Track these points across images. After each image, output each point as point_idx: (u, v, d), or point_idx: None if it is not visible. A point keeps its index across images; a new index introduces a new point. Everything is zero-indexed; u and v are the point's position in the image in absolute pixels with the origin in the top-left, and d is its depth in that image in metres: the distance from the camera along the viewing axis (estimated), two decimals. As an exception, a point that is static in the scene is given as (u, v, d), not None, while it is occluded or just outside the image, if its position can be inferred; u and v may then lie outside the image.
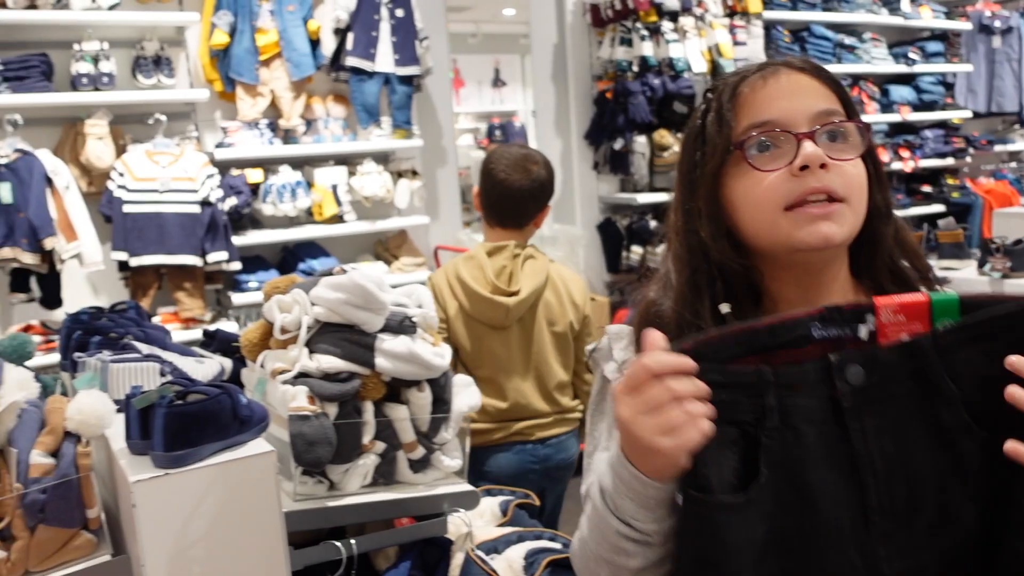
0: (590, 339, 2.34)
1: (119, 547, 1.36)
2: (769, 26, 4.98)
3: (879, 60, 5.50)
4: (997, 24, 6.01)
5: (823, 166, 0.93)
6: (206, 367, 1.66)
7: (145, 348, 1.66)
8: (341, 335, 1.58)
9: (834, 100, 0.98)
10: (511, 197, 2.34)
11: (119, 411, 1.38)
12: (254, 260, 3.96)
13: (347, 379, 1.54)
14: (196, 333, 3.56)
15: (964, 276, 2.39)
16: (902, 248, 1.03)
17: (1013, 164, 5.79)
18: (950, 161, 5.85)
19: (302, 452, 1.45)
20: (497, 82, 13.13)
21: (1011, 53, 6.04)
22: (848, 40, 5.33)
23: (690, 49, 4.58)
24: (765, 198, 0.95)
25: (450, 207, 4.71)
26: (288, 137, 4.06)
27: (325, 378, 1.54)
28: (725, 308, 0.98)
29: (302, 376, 1.54)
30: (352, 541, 1.51)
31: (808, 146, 0.93)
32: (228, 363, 1.88)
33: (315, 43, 4.01)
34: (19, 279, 3.44)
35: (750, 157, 0.96)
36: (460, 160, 8.23)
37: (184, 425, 1.25)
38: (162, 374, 1.54)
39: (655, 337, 0.84)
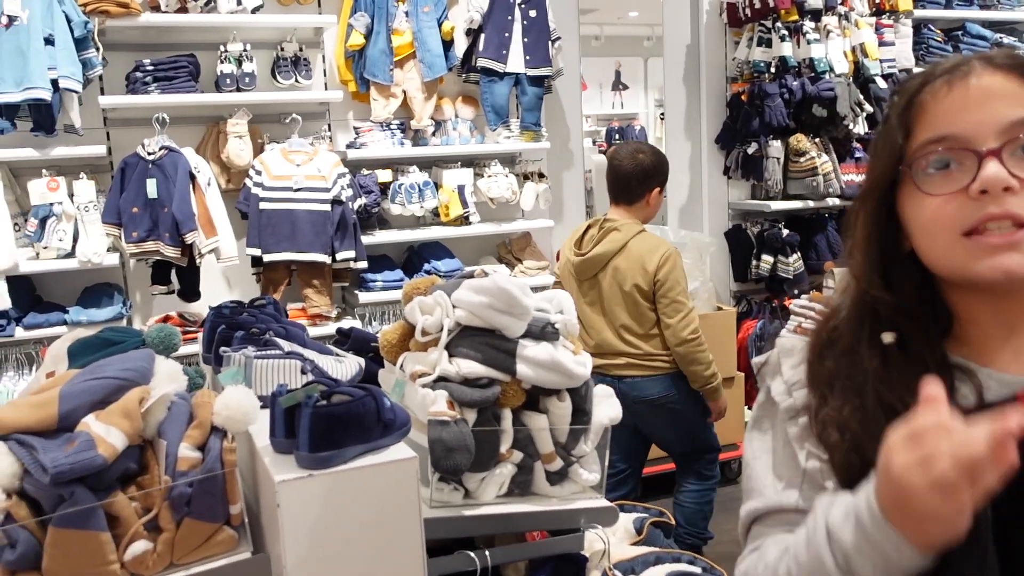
0: (665, 299, 2.85)
1: (258, 544, 1.35)
2: (919, 25, 4.70)
3: (1039, 62, 5.12)
4: None
5: (1007, 188, 0.81)
6: (345, 366, 1.65)
7: (286, 345, 1.67)
8: (482, 339, 1.54)
9: None
10: (618, 177, 3.00)
11: (262, 407, 1.37)
12: (380, 259, 4.00)
13: (487, 385, 1.50)
14: (323, 330, 3.62)
15: None
16: None
17: None
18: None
19: (441, 458, 1.41)
20: (618, 85, 13.03)
21: None
22: (1007, 39, 4.98)
23: (832, 49, 4.37)
24: (938, 225, 0.85)
25: (575, 210, 4.64)
26: (417, 138, 4.09)
27: (465, 383, 1.51)
28: (888, 338, 0.88)
29: (442, 380, 1.51)
30: (487, 552, 1.47)
31: (991, 167, 0.81)
32: (362, 362, 1.87)
33: (448, 44, 4.03)
34: (160, 271, 3.58)
35: (917, 178, 0.86)
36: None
37: (330, 426, 1.23)
38: (303, 371, 1.53)
39: (935, 392, 0.72)
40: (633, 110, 12.32)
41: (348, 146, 3.95)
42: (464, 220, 4.07)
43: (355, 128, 3.99)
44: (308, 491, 1.22)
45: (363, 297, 3.85)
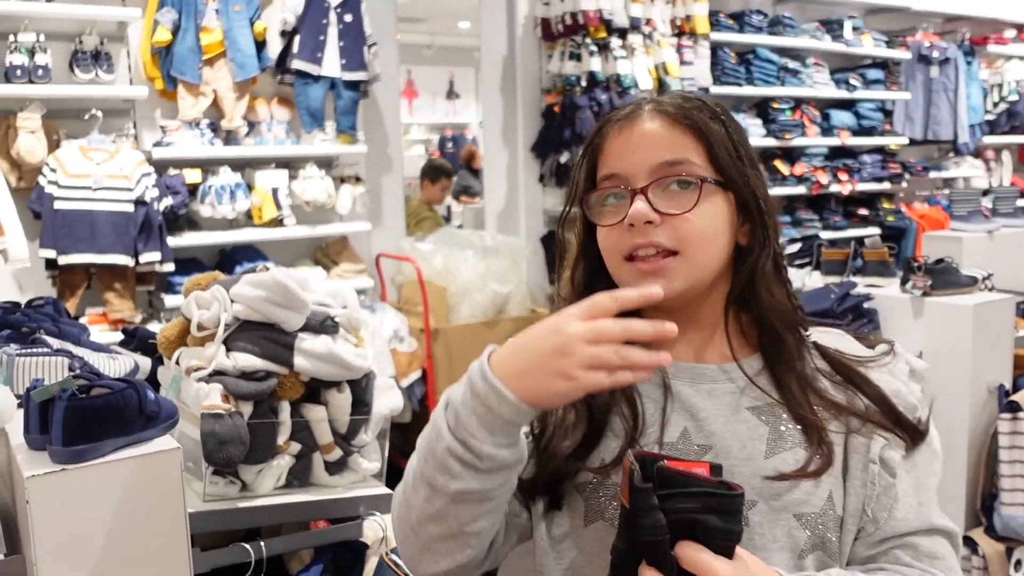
0: None
1: (15, 547, 1.31)
2: (715, 47, 5.06)
3: (821, 85, 5.62)
4: (935, 55, 6.19)
5: (649, 222, 0.95)
6: (119, 363, 1.62)
7: (56, 343, 1.61)
8: (260, 333, 1.55)
9: (688, 147, 0.97)
10: None
11: (21, 406, 1.33)
12: (190, 262, 3.89)
13: (263, 378, 1.52)
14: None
15: (887, 293, 2.44)
16: (778, 281, 1.02)
17: (947, 191, 5.95)
18: (887, 185, 6.00)
19: (213, 451, 1.41)
20: (451, 94, 13.16)
21: (948, 83, 6.22)
22: (792, 64, 5.44)
23: (637, 66, 4.63)
24: (607, 249, 1.00)
25: (394, 215, 4.68)
26: (229, 138, 4.00)
27: (242, 377, 1.51)
28: None
29: (218, 374, 1.51)
30: (262, 543, 1.48)
31: (637, 204, 0.95)
32: (146, 361, 1.83)
33: (261, 44, 3.96)
34: (-59, 274, 3.33)
35: (590, 211, 1.01)
36: (410, 170, 8.24)
37: (85, 419, 1.21)
38: (71, 369, 1.49)
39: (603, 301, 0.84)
40: (466, 119, 12.50)
41: (155, 145, 3.81)
42: (278, 222, 4.02)
43: (162, 127, 3.86)
44: (61, 487, 1.19)
45: (170, 301, 3.72)
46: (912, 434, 0.98)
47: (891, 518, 0.96)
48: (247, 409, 1.49)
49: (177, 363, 1.58)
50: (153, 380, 1.78)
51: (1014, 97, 6.67)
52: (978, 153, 6.80)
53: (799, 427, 0.95)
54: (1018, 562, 2.18)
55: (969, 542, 2.22)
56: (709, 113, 1.00)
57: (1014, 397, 2.23)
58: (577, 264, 1.05)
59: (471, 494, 0.86)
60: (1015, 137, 6.93)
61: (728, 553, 0.79)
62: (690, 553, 0.78)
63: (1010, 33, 6.87)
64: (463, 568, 0.93)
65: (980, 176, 6.65)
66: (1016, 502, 2.15)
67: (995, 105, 6.71)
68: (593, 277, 1.04)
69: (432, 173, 5.96)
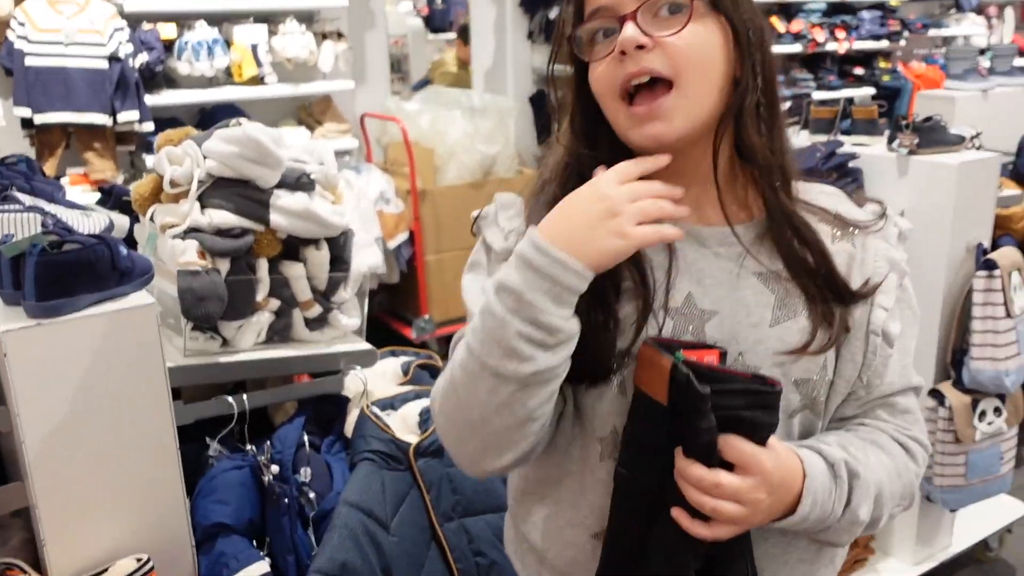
0: None
1: None
2: None
3: (823, -65, 5.38)
4: (944, -97, 5.89)
5: (641, 47, 0.89)
6: (92, 220, 1.61)
7: (28, 200, 1.60)
8: (235, 190, 1.54)
9: None
10: None
11: (-6, 262, 1.33)
12: (169, 122, 3.79)
13: (240, 235, 1.52)
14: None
15: (873, 152, 2.41)
16: (769, 123, 0.96)
17: (944, 49, 5.80)
18: (884, 44, 5.83)
19: (191, 307, 1.43)
20: (438, -55, 12.55)
21: (955, -67, 5.96)
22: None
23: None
24: (600, 89, 0.93)
25: (378, 73, 4.55)
26: (204, -10, 3.83)
27: (217, 234, 1.51)
28: None
29: (193, 231, 1.51)
30: (245, 396, 1.52)
31: (627, 29, 0.89)
32: (124, 220, 1.82)
33: None
34: (-86, 133, 3.25)
35: (578, 47, 0.94)
36: (396, 28, 7.96)
37: (58, 275, 1.21)
38: (43, 226, 1.48)
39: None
40: (454, -27, 11.98)
41: (126, -3, 3.65)
42: (259, 80, 3.91)
43: (133, -23, 3.68)
44: (37, 341, 1.21)
45: (151, 161, 3.65)
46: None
47: (881, 383, 0.98)
48: (224, 266, 1.49)
49: (152, 220, 1.57)
50: (131, 239, 1.78)
51: (1023, -51, 6.40)
52: (980, 9, 6.58)
53: (804, 295, 0.94)
54: (982, 413, 2.26)
55: (936, 394, 2.29)
56: None
57: (991, 255, 2.24)
58: (574, 110, 0.99)
59: (542, 374, 0.85)
60: (1020, -8, 6.71)
61: (763, 443, 0.84)
62: (736, 446, 0.83)
63: None
64: (524, 457, 0.93)
65: (980, 34, 6.46)
66: (984, 356, 2.20)
67: (1002, -43, 6.46)
68: (590, 122, 0.98)
69: (466, 33, 5.79)
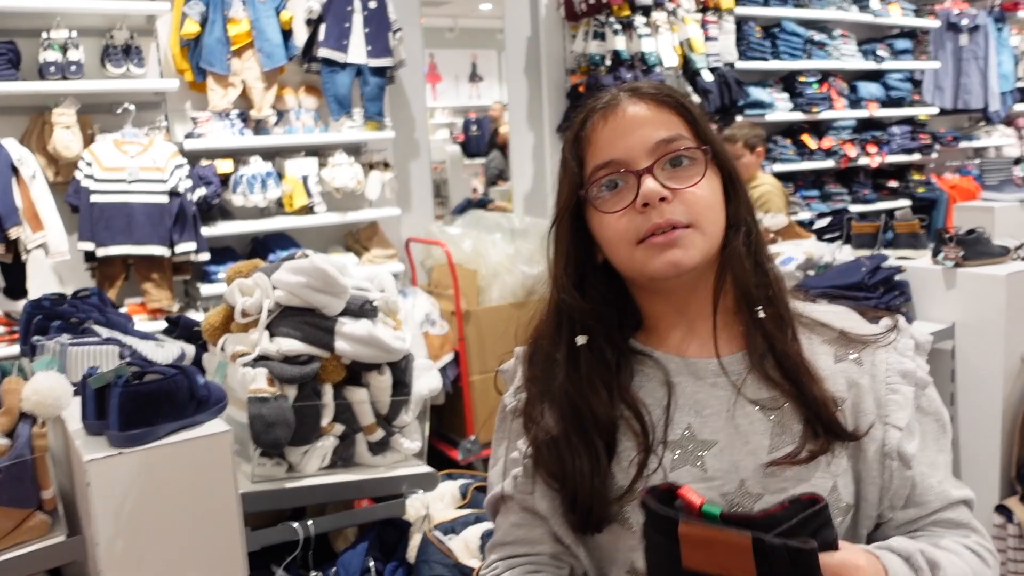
0: None
1: (75, 528, 1.37)
2: (741, 22, 5.02)
3: (848, 57, 5.56)
4: (964, 22, 6.09)
5: (663, 199, 0.95)
6: (166, 350, 1.67)
7: (105, 332, 1.67)
8: (302, 318, 1.59)
9: (677, 124, 1.00)
10: None
11: (76, 393, 1.38)
12: (224, 251, 3.95)
13: (307, 361, 1.56)
14: (164, 325, 3.55)
15: (919, 265, 2.44)
16: (756, 257, 1.01)
17: (977, 160, 5.87)
18: (916, 157, 5.93)
19: (260, 433, 1.46)
20: (474, 76, 13.14)
21: (977, 51, 6.12)
22: (818, 37, 5.39)
23: (662, 44, 4.61)
24: (617, 237, 0.98)
25: (422, 199, 4.71)
26: (259, 128, 4.05)
27: (285, 361, 1.56)
28: (581, 340, 1.03)
29: (262, 359, 1.56)
30: (309, 522, 1.53)
31: (647, 183, 0.95)
32: (191, 348, 1.89)
33: (287, 34, 4.00)
34: (-15, 269, 3.41)
35: (594, 201, 1.00)
36: (435, 155, 8.26)
37: (139, 404, 1.26)
38: (121, 356, 1.54)
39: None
40: (489, 101, 12.49)
41: (186, 136, 3.87)
42: (309, 210, 4.07)
43: (193, 118, 3.91)
44: (119, 469, 1.25)
45: (206, 290, 3.79)
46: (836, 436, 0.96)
47: (911, 503, 0.97)
48: (292, 392, 1.53)
49: (222, 349, 1.63)
50: (197, 367, 1.84)
51: (1046, 63, 6.56)
52: (1009, 121, 6.69)
53: (801, 417, 0.94)
54: (1054, 530, 2.19)
55: (1004, 511, 2.22)
56: (680, 93, 1.03)
57: (1048, 366, 2.23)
58: (568, 256, 1.03)
59: None
60: (1047, 104, 6.82)
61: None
62: (827, 563, 0.80)
63: (1042, -3, 6.74)
64: None
65: (1012, 144, 6.55)
66: (1052, 470, 2.15)
67: (1027, 72, 6.60)
68: (582, 268, 1.04)
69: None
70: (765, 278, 1.01)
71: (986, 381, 2.24)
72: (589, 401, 0.99)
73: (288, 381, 1.52)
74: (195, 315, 3.70)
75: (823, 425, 0.93)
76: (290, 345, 1.55)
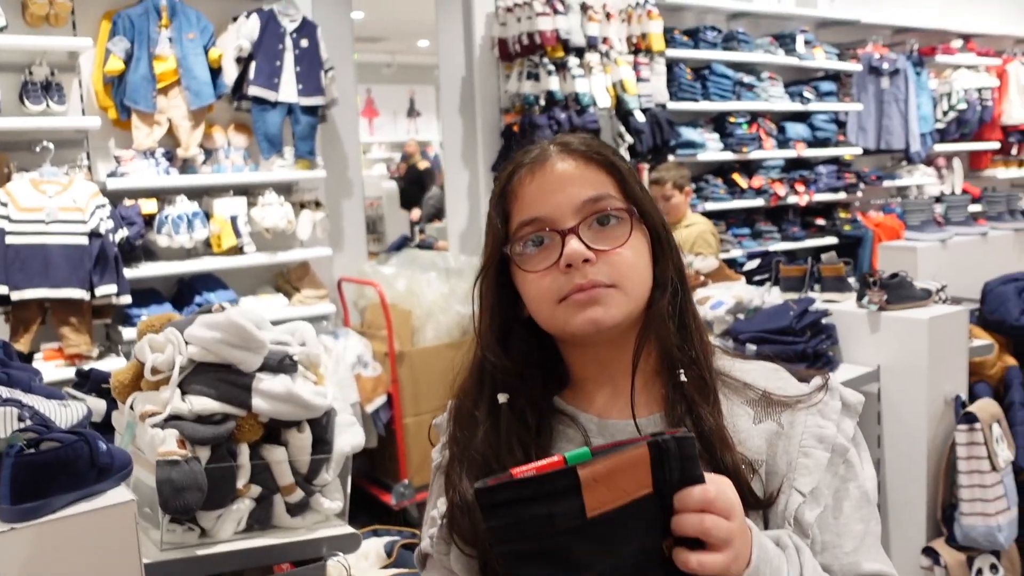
0: None
1: (-35, 606, 1.27)
2: (672, 64, 5.11)
3: (776, 98, 5.71)
4: (885, 66, 6.31)
5: (587, 260, 0.94)
6: (71, 411, 1.58)
7: (5, 391, 1.57)
8: (217, 375, 1.53)
9: (605, 182, 0.98)
10: None
11: (-31, 461, 1.29)
12: (147, 293, 3.83)
13: (221, 421, 1.50)
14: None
15: (844, 308, 2.48)
16: (681, 317, 1.00)
17: (900, 199, 6.07)
18: (842, 195, 6.10)
19: (169, 499, 1.39)
20: (412, 112, 13.17)
21: (898, 94, 6.35)
22: (747, 79, 5.52)
23: (595, 84, 4.66)
24: (539, 296, 0.97)
25: (355, 238, 4.65)
26: (186, 167, 3.95)
27: (198, 420, 1.49)
28: (502, 398, 1.00)
29: (173, 418, 1.48)
30: (223, 591, 1.46)
31: (571, 244, 0.94)
32: (101, 404, 1.80)
33: (216, 71, 3.93)
34: None
35: (518, 259, 0.98)
36: (371, 191, 8.21)
37: (33, 476, 1.18)
38: (20, 419, 1.45)
39: None
40: (427, 136, 12.51)
41: (109, 175, 3.76)
42: (238, 250, 3.98)
43: (116, 157, 3.80)
44: (12, 547, 1.16)
45: (128, 334, 3.66)
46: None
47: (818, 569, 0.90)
48: (204, 454, 1.47)
49: (131, 408, 1.55)
50: (108, 423, 1.75)
51: (963, 106, 6.82)
52: (929, 161, 6.94)
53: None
54: (979, 571, 2.21)
55: (931, 552, 2.25)
56: (610, 150, 1.02)
57: (970, 408, 2.27)
58: (493, 309, 1.01)
59: None
60: (964, 144, 7.09)
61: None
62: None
63: (957, 43, 7.03)
64: None
65: (932, 183, 6.78)
66: (975, 512, 2.18)
67: (944, 114, 6.86)
68: (506, 324, 1.01)
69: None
70: (689, 340, 1.00)
71: (911, 423, 2.28)
72: (504, 463, 0.95)
73: (200, 442, 1.45)
74: (116, 361, 3.57)
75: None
76: (203, 404, 1.48)
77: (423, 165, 10.14)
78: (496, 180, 1.04)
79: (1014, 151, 7.46)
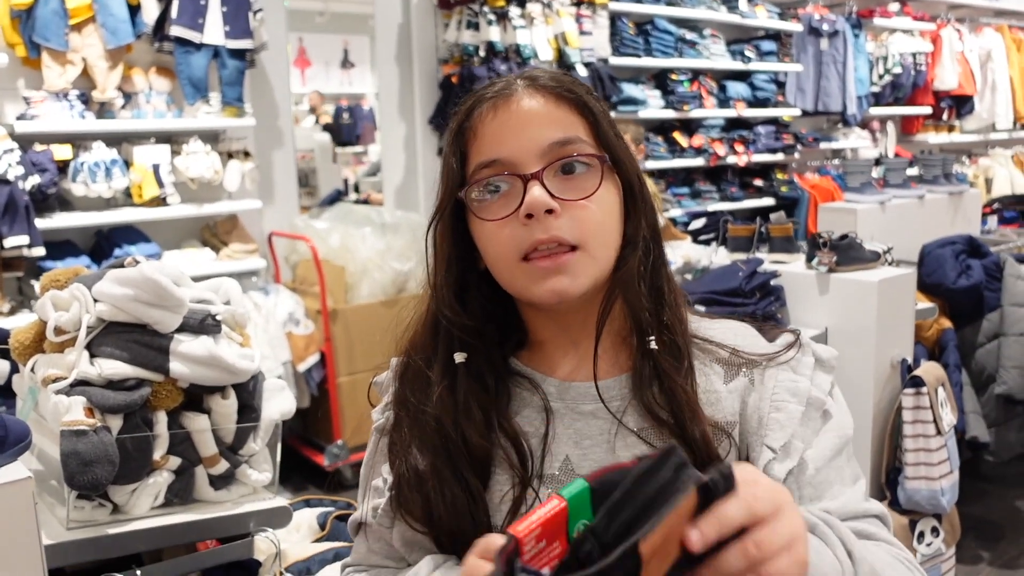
0: None
1: None
2: (615, 17, 5.00)
3: (718, 56, 5.65)
4: (825, 27, 6.30)
5: (550, 211, 0.84)
6: (-36, 375, 1.42)
7: None
8: (130, 336, 1.38)
9: (576, 124, 0.88)
10: None
11: None
12: (62, 245, 3.60)
13: (135, 387, 1.35)
14: (-10, 326, 3.18)
15: (793, 270, 2.43)
16: (652, 279, 0.91)
17: (836, 161, 6.10)
18: (780, 156, 6.10)
19: (76, 473, 1.25)
20: (346, 63, 12.77)
21: (837, 56, 6.35)
22: (689, 35, 5.44)
23: (537, 36, 4.52)
24: (497, 249, 0.87)
25: (286, 191, 4.46)
26: (103, 111, 3.70)
27: (109, 386, 1.35)
28: (459, 358, 0.92)
29: (81, 384, 1.34)
30: (138, 572, 1.33)
31: (534, 191, 0.84)
32: (5, 367, 1.64)
33: (135, 9, 3.67)
34: None
35: (473, 205, 0.88)
36: (303, 143, 7.93)
37: (-87, 451, 1.04)
38: (-96, 385, 1.30)
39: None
40: (361, 90, 12.16)
41: (18, 118, 3.49)
42: (161, 201, 3.76)
43: (25, 98, 3.53)
44: None
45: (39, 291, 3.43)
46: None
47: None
48: (116, 423, 1.32)
49: (33, 371, 1.40)
50: (10, 388, 1.59)
51: (898, 69, 6.87)
52: (864, 124, 7.00)
53: (687, 449, 0.84)
54: (921, 534, 2.22)
55: (873, 515, 2.25)
56: (584, 89, 0.91)
57: (917, 372, 2.25)
58: (449, 260, 0.91)
59: None
60: (899, 108, 7.16)
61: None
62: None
63: (894, 7, 7.06)
64: None
65: (867, 147, 6.85)
66: (919, 475, 2.18)
67: (880, 77, 6.90)
68: (463, 276, 0.92)
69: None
70: (661, 303, 0.91)
71: (858, 387, 2.25)
72: (463, 428, 0.88)
73: (111, 410, 1.31)
74: (28, 317, 3.34)
75: (707, 464, 0.83)
76: (115, 368, 1.33)
77: (325, 120, 9.93)
78: (454, 115, 0.93)
79: (945, 116, 7.57)
